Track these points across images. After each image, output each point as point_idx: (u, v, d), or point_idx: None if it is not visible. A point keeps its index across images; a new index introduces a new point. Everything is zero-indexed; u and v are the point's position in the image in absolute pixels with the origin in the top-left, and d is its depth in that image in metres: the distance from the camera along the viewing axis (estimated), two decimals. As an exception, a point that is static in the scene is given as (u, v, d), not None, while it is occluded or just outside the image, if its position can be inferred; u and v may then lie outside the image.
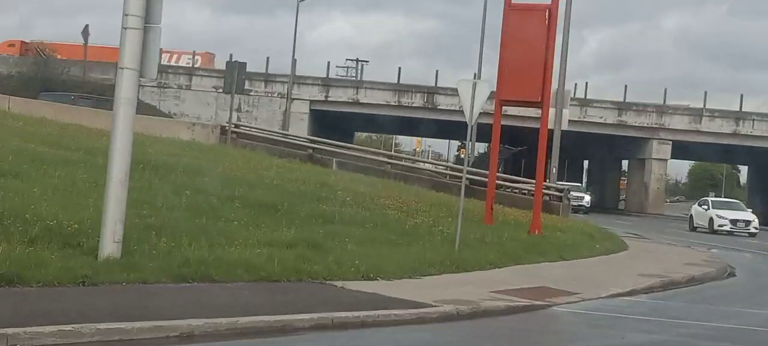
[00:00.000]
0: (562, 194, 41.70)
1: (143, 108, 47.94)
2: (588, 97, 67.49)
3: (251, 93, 62.04)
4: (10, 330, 9.21)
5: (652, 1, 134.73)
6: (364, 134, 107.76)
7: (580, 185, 61.33)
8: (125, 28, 13.55)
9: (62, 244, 13.35)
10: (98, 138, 26.77)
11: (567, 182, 52.91)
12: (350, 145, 56.26)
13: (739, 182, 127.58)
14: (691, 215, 50.22)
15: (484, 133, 44.61)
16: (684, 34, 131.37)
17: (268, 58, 65.72)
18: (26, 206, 14.90)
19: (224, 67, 48.78)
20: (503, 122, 29.28)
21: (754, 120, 67.39)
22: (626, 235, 33.63)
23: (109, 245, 13.22)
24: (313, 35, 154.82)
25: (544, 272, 19.26)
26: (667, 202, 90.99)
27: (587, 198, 58.39)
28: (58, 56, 64.69)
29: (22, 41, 71.43)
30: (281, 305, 12.01)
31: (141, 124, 27.78)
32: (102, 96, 46.95)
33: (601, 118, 67.13)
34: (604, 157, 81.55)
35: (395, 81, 67.12)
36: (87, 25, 64.27)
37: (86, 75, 59.34)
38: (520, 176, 50.46)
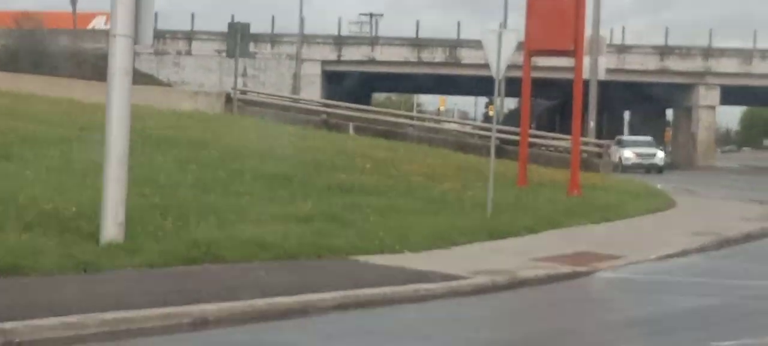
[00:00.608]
0: (601, 150, 41.63)
1: (140, 78, 47.90)
2: (626, 42, 66.91)
3: (257, 56, 61.81)
4: (8, 325, 9.20)
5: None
6: (383, 95, 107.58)
7: (650, 138, 58.66)
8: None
9: (60, 229, 13.39)
10: (93, 113, 26.83)
11: (605, 137, 52.52)
12: (368, 107, 56.20)
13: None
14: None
15: (513, 87, 44.39)
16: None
17: (273, 16, 65.88)
18: (19, 190, 14.97)
19: (226, 30, 48.72)
20: (534, 74, 29.17)
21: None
22: (675, 190, 33.49)
23: (111, 228, 13.27)
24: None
25: (585, 236, 19.20)
26: (718, 152, 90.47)
27: (660, 154, 55.42)
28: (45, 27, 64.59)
29: None
30: (301, 285, 12.01)
31: (139, 95, 27.78)
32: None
33: (641, 64, 66.55)
34: (646, 108, 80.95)
35: (414, 35, 66.82)
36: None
37: (77, 45, 59.30)
38: (554, 132, 50.36)
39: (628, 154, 52.54)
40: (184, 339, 9.96)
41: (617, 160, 49.66)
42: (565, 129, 48.29)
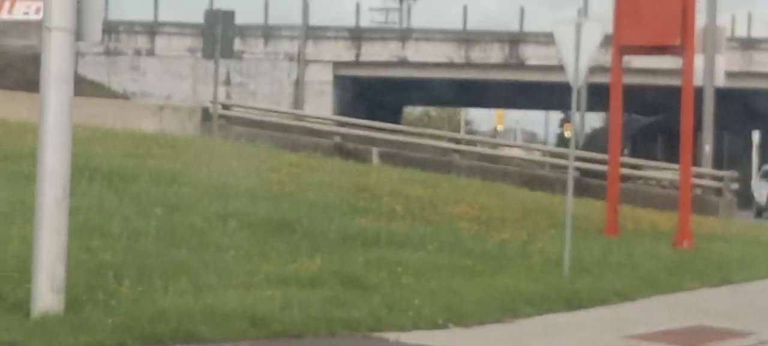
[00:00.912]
0: (721, 184, 41.48)
1: (86, 87, 48.25)
2: (753, 35, 66.81)
3: (245, 56, 61.96)
4: None
5: None
6: (418, 109, 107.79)
7: None
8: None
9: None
10: (20, 136, 26.99)
11: (727, 166, 52.23)
12: (398, 127, 56.27)
13: None
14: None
15: (598, 98, 44.32)
16: None
17: (266, 1, 65.75)
18: None
19: (202, 20, 48.79)
20: (626, 80, 29.14)
21: None
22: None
23: (47, 295, 13.26)
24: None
25: (701, 304, 19.12)
26: None
27: None
28: None
29: None
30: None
31: (84, 111, 27.91)
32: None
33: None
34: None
35: (460, 27, 66.94)
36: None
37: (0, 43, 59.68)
38: (655, 160, 50.31)
39: None
40: None
41: (764, 200, 49.48)
42: (671, 156, 48.07)
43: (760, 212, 45.30)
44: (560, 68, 20.99)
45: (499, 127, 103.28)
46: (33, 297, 13.27)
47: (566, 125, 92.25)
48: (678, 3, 26.36)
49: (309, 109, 58.89)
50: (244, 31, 58.41)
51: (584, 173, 37.83)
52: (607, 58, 27.62)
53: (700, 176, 39.33)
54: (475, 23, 67.62)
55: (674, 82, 28.73)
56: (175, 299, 14.37)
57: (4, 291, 13.64)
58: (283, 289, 15.76)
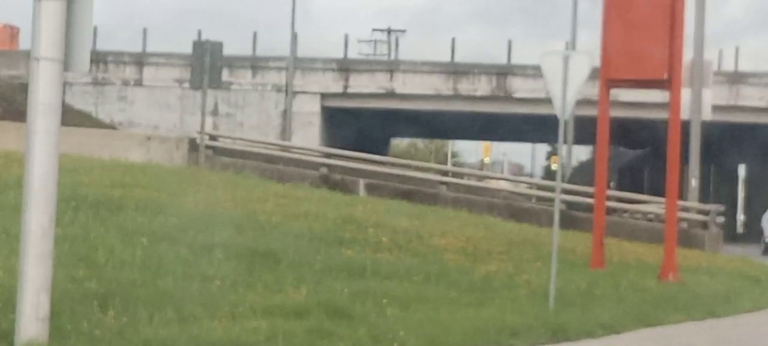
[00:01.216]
0: (708, 218, 41.51)
1: (73, 117, 48.24)
2: (740, 69, 66.97)
3: (233, 87, 61.95)
4: None
5: None
6: (405, 141, 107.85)
7: None
8: (37, 0, 13.60)
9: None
10: (6, 166, 26.95)
11: (712, 200, 52.21)
12: (385, 158, 56.31)
13: None
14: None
15: (585, 131, 44.35)
16: None
17: (255, 33, 65.75)
18: None
19: (190, 51, 48.78)
20: (613, 113, 29.20)
21: None
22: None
23: (31, 324, 13.22)
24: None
25: (686, 338, 19.13)
26: None
27: None
28: None
29: None
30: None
31: (71, 140, 27.97)
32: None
33: (762, 99, 66.60)
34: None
35: (448, 59, 67.01)
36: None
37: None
38: (642, 194, 50.32)
39: None
40: None
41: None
42: (657, 189, 48.13)
43: (766, 251, 45.11)
44: (548, 101, 21.05)
45: (486, 160, 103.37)
46: (17, 326, 13.23)
47: (553, 158, 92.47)
48: (665, 37, 26.40)
49: (296, 140, 58.88)
50: (232, 62, 58.45)
51: (570, 205, 37.83)
52: (594, 91, 27.71)
53: (686, 209, 39.34)
54: (462, 56, 67.64)
55: (661, 115, 28.76)
56: (160, 330, 14.33)
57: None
58: (268, 319, 15.73)
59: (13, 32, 72.70)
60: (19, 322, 13.23)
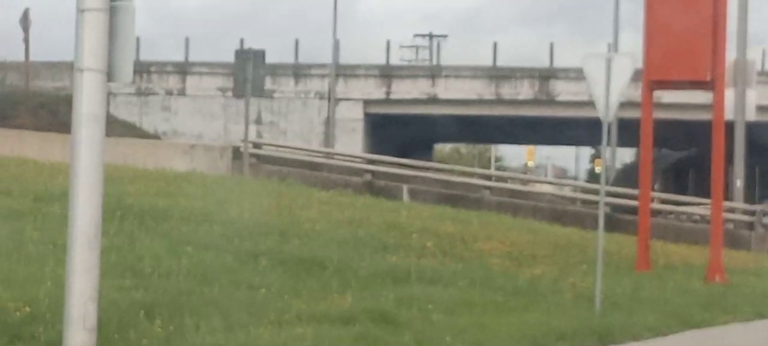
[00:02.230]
0: (754, 218, 41.28)
1: (118, 127, 48.36)
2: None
3: (276, 95, 61.92)
4: None
5: None
6: (448, 146, 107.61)
7: None
8: (82, 10, 13.57)
9: (9, 337, 13.45)
10: (53, 177, 27.08)
11: (759, 200, 51.81)
12: (428, 163, 56.17)
13: None
14: None
15: (628, 133, 44.16)
16: None
17: (297, 40, 65.76)
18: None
19: (233, 60, 48.83)
20: (657, 115, 29.07)
21: None
22: None
23: (79, 334, 13.23)
24: (364, 3, 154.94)
25: (733, 340, 19.04)
26: None
27: None
28: None
29: None
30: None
31: (116, 151, 28.08)
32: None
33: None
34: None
35: (490, 63, 66.86)
36: (27, 10, 64.86)
37: (29, 84, 59.68)
38: (686, 195, 50.04)
39: None
40: None
41: None
42: (702, 191, 47.80)
43: None
44: (591, 104, 20.92)
45: (530, 163, 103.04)
46: (65, 337, 13.24)
47: (597, 161, 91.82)
48: (708, 38, 26.31)
49: (339, 147, 58.82)
50: (275, 70, 58.35)
51: (616, 208, 37.70)
52: (637, 93, 27.57)
53: (731, 210, 39.12)
54: (505, 59, 67.39)
55: (705, 116, 28.59)
56: (207, 338, 14.36)
57: (37, 331, 13.64)
58: (314, 326, 15.74)
59: None
60: (66, 332, 13.23)
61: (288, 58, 64.24)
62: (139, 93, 62.44)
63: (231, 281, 18.26)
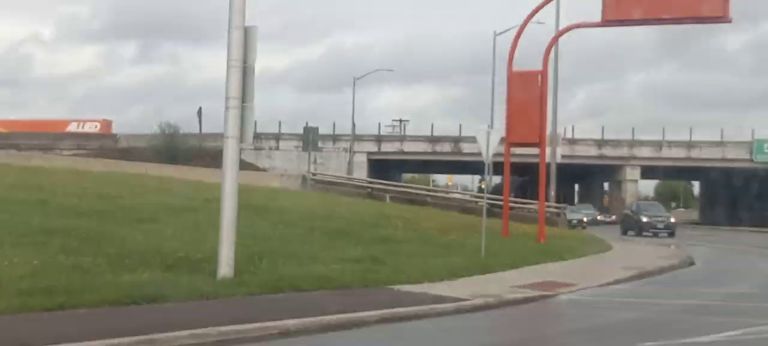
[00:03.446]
0: (560, 210, 41.37)
1: (244, 165, 48.24)
2: (575, 137, 66.80)
3: (322, 149, 62.07)
4: (155, 336, 9.26)
5: (621, 64, 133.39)
6: (409, 175, 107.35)
7: (589, 205, 62.74)
8: (227, 109, 13.60)
9: (190, 270, 13.45)
10: (213, 190, 26.94)
11: (562, 203, 51.90)
12: (399, 183, 56.37)
13: (693, 194, 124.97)
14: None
15: (498, 168, 44.26)
16: (647, 86, 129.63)
17: (334, 123, 65.94)
18: (162, 243, 15.12)
19: (302, 132, 49.08)
20: (512, 160, 29.12)
21: (701, 147, 66.34)
22: (612, 239, 33.14)
23: (224, 268, 13.28)
24: (369, 104, 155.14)
25: (549, 270, 18.94)
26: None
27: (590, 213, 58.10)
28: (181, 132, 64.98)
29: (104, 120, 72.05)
30: (354, 305, 11.92)
31: (243, 177, 27.89)
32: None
33: (585, 152, 66.33)
34: (590, 181, 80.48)
35: (430, 134, 67.04)
36: (200, 108, 65.05)
37: (201, 144, 59.75)
38: (526, 199, 50.00)
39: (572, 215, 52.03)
40: (274, 345, 9.93)
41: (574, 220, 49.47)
42: (534, 196, 47.93)
43: (571, 226, 45.01)
44: (480, 154, 20.90)
45: (449, 183, 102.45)
46: (218, 270, 13.30)
47: (482, 182, 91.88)
48: (537, 121, 26.35)
49: (355, 175, 58.89)
50: (323, 137, 58.41)
51: (492, 205, 37.61)
52: (502, 148, 27.61)
53: (548, 206, 39.18)
54: (437, 132, 67.51)
55: (536, 160, 28.69)
56: (288, 270, 14.36)
57: (204, 266, 13.65)
58: (341, 264, 15.73)
59: (108, 123, 71.86)
60: (219, 268, 13.30)
61: (329, 131, 64.35)
62: (256, 148, 62.41)
63: (300, 241, 18.27)
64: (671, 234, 42.57)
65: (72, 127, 70.43)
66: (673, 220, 46.53)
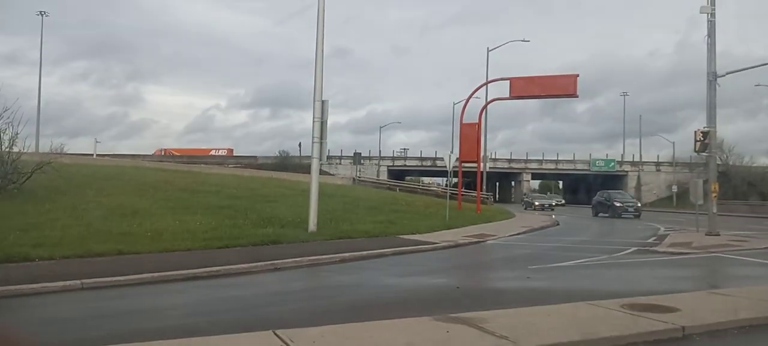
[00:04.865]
0: (488, 196, 40.74)
1: (321, 173, 48.11)
2: (496, 157, 66.09)
3: (363, 163, 61.74)
4: (276, 262, 9.30)
5: (521, 118, 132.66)
6: (409, 177, 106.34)
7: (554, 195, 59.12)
8: (313, 143, 13.69)
9: (294, 226, 13.49)
10: (306, 186, 26.87)
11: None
12: (403, 182, 55.91)
13: (559, 187, 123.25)
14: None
15: (456, 173, 43.92)
16: (535, 130, 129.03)
17: (370, 150, 65.47)
18: (279, 212, 15.15)
19: (352, 154, 48.74)
20: (463, 169, 28.87)
21: (563, 163, 65.39)
22: (515, 211, 32.65)
23: (312, 226, 13.33)
24: (389, 140, 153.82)
25: (482, 228, 18.66)
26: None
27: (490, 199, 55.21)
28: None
29: (165, 150, 63.28)
30: (379, 245, 11.96)
31: (321, 179, 27.82)
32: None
33: (502, 165, 65.68)
34: (504, 181, 79.61)
35: (420, 155, 66.63)
36: (300, 142, 64.70)
37: (301, 162, 58.71)
38: (471, 190, 49.51)
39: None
40: (337, 266, 9.90)
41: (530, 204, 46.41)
42: (474, 189, 47.34)
43: (526, 207, 42.47)
44: (445, 166, 20.64)
45: (430, 182, 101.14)
46: (308, 226, 13.31)
47: (447, 181, 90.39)
48: (475, 148, 26.16)
49: (381, 178, 58.32)
50: (363, 157, 57.78)
51: (452, 194, 37.20)
52: (457, 163, 27.40)
53: (483, 194, 38.69)
54: (425, 154, 66.65)
55: (475, 169, 28.26)
56: (346, 226, 14.29)
57: (301, 224, 13.59)
58: (374, 224, 15.61)
59: (231, 150, 65.41)
60: (309, 225, 13.30)
61: (368, 153, 63.89)
62: (329, 163, 62.01)
63: (352, 212, 18.13)
64: (637, 216, 29.27)
65: (213, 152, 65.16)
66: (639, 205, 34.02)
